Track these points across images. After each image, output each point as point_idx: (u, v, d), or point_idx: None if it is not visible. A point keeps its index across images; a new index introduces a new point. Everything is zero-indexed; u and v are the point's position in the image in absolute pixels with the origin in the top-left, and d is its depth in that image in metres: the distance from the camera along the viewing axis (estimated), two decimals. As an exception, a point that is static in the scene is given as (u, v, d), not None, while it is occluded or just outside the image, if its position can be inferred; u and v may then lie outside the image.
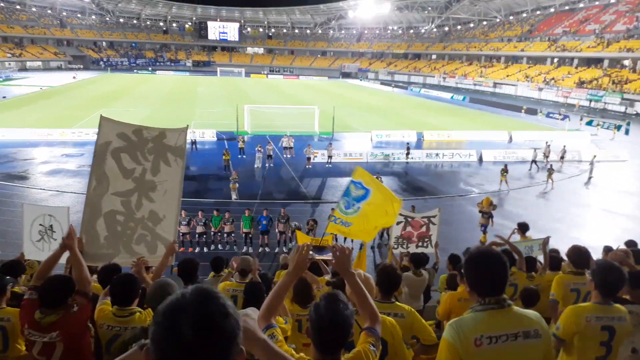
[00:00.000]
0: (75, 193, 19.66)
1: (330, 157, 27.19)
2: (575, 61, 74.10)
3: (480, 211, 16.96)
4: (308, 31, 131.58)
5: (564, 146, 30.03)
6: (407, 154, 29.00)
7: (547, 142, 30.76)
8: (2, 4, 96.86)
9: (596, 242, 14.29)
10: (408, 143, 30.65)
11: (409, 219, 9.76)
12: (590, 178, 26.21)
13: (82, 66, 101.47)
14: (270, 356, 1.93)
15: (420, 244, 9.74)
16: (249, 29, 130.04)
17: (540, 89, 71.50)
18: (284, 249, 15.33)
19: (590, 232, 17.84)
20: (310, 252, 2.44)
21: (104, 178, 4.75)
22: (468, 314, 2.58)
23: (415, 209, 14.15)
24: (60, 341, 3.58)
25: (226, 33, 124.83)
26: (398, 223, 9.71)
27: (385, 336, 3.19)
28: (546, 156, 29.56)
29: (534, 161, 28.31)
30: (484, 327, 2.46)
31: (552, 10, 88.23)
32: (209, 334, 1.33)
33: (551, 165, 25.89)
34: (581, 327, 3.49)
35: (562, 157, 29.27)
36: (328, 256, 2.45)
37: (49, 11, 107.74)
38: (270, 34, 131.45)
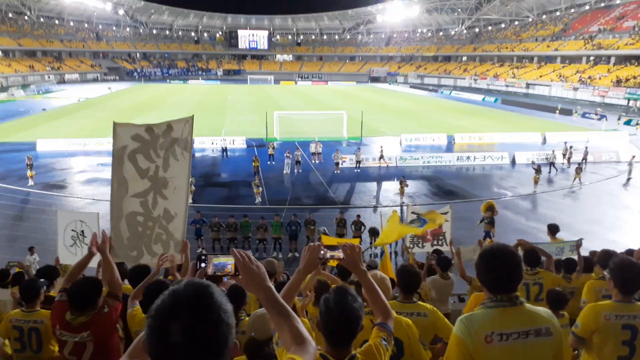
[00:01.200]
0: (110, 201, 20.21)
1: (358, 162, 27.10)
2: (612, 59, 71.69)
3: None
4: (336, 37, 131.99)
5: (586, 147, 28.93)
6: (381, 157, 27.70)
7: (566, 143, 29.85)
8: (42, 20, 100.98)
9: (635, 244, 13.75)
10: (382, 146, 29.35)
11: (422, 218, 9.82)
12: (629, 179, 25.27)
13: (117, 77, 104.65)
14: (273, 306, 1.93)
15: (435, 242, 9.76)
16: (277, 37, 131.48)
17: (576, 89, 69.46)
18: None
19: (628, 234, 17.15)
20: (322, 251, 2.45)
21: (123, 181, 4.81)
22: (479, 309, 2.56)
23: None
24: (91, 341, 3.67)
25: (256, 41, 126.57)
26: (411, 222, 9.77)
27: (400, 336, 3.19)
28: (567, 157, 28.64)
29: (552, 163, 27.19)
30: (495, 324, 2.44)
31: (587, 7, 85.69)
32: (200, 342, 1.31)
33: (579, 164, 25.13)
34: (600, 325, 3.39)
35: (584, 159, 27.70)
36: (339, 253, 2.46)
37: (86, 25, 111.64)
38: (299, 41, 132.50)
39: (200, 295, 1.37)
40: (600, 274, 5.31)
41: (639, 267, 3.42)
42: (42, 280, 5.14)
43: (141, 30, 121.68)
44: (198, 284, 1.42)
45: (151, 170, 4.81)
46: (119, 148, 4.78)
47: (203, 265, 2.08)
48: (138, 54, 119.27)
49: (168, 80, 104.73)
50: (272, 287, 1.97)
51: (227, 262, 2.06)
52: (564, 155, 28.83)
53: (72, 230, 7.64)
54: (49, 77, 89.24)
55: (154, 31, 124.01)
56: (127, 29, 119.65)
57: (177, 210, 4.87)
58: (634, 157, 26.30)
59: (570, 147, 29.12)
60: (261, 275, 1.96)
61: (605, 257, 5.21)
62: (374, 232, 15.71)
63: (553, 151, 27.86)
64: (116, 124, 4.83)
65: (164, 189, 4.82)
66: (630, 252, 7.79)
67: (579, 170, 24.18)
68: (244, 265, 1.94)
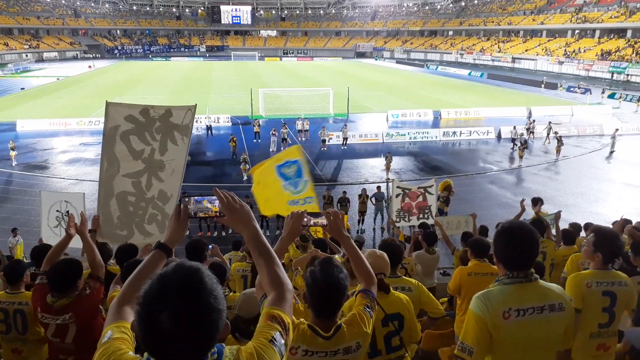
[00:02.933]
0: (94, 181, 19.93)
1: (345, 139, 27.03)
2: (597, 32, 71.91)
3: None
4: (321, 11, 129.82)
5: (550, 122, 29.01)
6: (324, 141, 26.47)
7: (529, 117, 29.92)
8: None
9: (617, 216, 14.00)
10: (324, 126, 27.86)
11: (406, 191, 9.96)
12: (612, 152, 25.61)
13: (98, 55, 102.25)
14: (256, 246, 1.94)
15: (421, 215, 9.91)
16: (261, 12, 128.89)
17: (561, 63, 69.70)
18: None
19: (611, 206, 17.47)
20: (305, 218, 2.45)
21: (114, 160, 4.81)
22: (495, 287, 2.60)
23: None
24: (73, 323, 3.65)
25: (239, 17, 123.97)
26: (397, 196, 9.89)
27: (402, 311, 3.28)
28: (531, 131, 28.72)
29: (513, 139, 26.63)
30: (512, 300, 2.51)
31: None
32: (190, 330, 1.31)
33: (558, 139, 25.02)
34: (584, 293, 3.49)
35: (548, 134, 27.85)
36: (322, 220, 2.45)
37: (63, 1, 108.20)
38: (283, 16, 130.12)
39: (190, 282, 1.35)
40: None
41: (619, 238, 3.58)
42: (28, 261, 5.09)
43: (121, 7, 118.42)
44: (187, 269, 1.40)
45: (146, 152, 4.81)
46: (111, 128, 4.76)
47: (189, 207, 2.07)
48: (118, 31, 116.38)
49: (151, 57, 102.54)
50: (258, 226, 1.98)
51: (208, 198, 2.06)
52: (528, 129, 28.89)
53: (57, 210, 7.53)
54: (26, 56, 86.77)
55: (134, 7, 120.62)
56: (107, 5, 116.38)
57: (173, 192, 4.93)
58: (617, 130, 26.60)
59: (534, 120, 29.16)
60: (245, 214, 1.96)
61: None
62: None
63: (515, 127, 27.50)
64: (109, 103, 4.80)
65: (160, 172, 4.85)
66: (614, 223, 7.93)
67: (559, 143, 24.37)
68: (228, 205, 1.94)
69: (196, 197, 2.08)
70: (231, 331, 2.89)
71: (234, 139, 24.51)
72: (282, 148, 25.65)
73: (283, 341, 1.66)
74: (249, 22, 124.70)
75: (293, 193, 9.36)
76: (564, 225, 8.40)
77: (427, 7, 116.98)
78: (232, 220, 1.96)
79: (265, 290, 1.92)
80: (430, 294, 3.99)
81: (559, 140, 24.54)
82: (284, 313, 1.75)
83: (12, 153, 22.28)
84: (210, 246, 7.15)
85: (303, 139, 28.07)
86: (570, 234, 6.93)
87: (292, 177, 9.26)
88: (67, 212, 7.57)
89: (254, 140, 27.42)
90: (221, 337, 1.44)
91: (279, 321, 1.70)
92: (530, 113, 36.08)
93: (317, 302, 2.47)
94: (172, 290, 1.32)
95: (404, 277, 4.02)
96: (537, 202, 9.52)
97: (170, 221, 2.05)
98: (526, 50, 79.37)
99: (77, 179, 20.60)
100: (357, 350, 2.50)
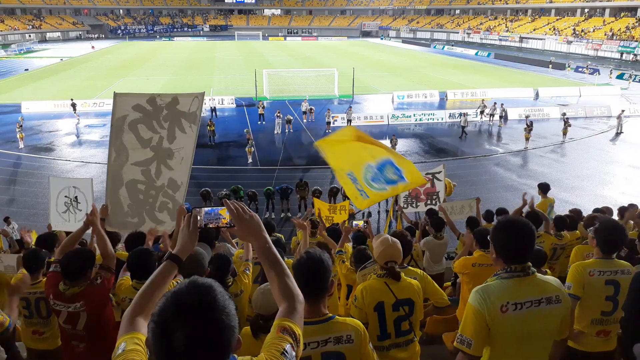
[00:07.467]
0: (99, 163, 20.02)
1: (349, 120, 26.87)
2: (607, 11, 70.60)
3: None
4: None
5: (495, 103, 28.51)
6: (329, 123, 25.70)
7: (483, 100, 29.45)
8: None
9: (623, 199, 13.95)
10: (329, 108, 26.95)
11: None
12: (618, 134, 25.38)
13: (101, 35, 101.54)
14: (266, 257, 1.94)
15: (429, 201, 9.89)
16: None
17: (569, 42, 68.65)
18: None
19: (617, 189, 17.39)
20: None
21: (122, 149, 4.81)
22: (493, 280, 2.66)
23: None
24: (84, 311, 3.73)
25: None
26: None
27: (413, 297, 3.40)
28: (485, 114, 28.31)
29: (463, 127, 25.53)
30: (510, 294, 2.57)
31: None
32: (203, 348, 1.34)
33: (566, 118, 24.75)
34: (586, 281, 3.58)
35: (492, 115, 27.56)
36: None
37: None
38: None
39: (203, 301, 1.38)
40: (584, 234, 5.42)
41: (622, 230, 3.60)
42: (44, 250, 5.16)
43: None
44: (200, 287, 1.42)
45: (154, 141, 4.82)
46: (119, 118, 4.77)
47: (199, 217, 2.05)
48: (121, 10, 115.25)
49: (158, 37, 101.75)
50: (268, 237, 1.97)
51: (219, 209, 2.05)
52: (482, 112, 28.53)
53: (66, 196, 7.54)
54: (29, 36, 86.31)
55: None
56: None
57: (183, 180, 4.94)
58: (623, 111, 26.30)
59: (482, 101, 28.64)
60: (255, 225, 1.95)
61: (590, 221, 5.35)
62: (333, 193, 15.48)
63: (465, 114, 26.12)
64: (116, 94, 4.81)
65: (169, 160, 4.86)
66: (622, 208, 7.92)
67: (567, 122, 24.05)
68: (238, 216, 1.94)
69: (207, 209, 2.07)
70: (251, 329, 2.92)
71: (212, 122, 24.22)
72: (286, 130, 25.58)
73: (294, 353, 1.68)
74: (253, 1, 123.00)
75: (366, 183, 7.72)
76: (564, 210, 8.39)
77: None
78: (242, 230, 1.95)
79: (277, 301, 1.92)
80: (435, 284, 4.05)
81: (566, 122, 24.31)
82: (295, 324, 1.76)
83: (20, 135, 22.36)
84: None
85: (307, 120, 27.95)
86: (572, 220, 6.97)
87: (384, 176, 7.67)
88: (76, 197, 7.60)
89: (258, 122, 27.32)
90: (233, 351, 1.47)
91: (290, 333, 1.72)
92: (537, 95, 35.66)
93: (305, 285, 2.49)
94: (186, 309, 1.35)
95: (410, 267, 4.10)
96: (546, 190, 9.45)
97: (181, 232, 2.04)
98: (534, 30, 78.12)
99: (82, 161, 20.67)
100: None
